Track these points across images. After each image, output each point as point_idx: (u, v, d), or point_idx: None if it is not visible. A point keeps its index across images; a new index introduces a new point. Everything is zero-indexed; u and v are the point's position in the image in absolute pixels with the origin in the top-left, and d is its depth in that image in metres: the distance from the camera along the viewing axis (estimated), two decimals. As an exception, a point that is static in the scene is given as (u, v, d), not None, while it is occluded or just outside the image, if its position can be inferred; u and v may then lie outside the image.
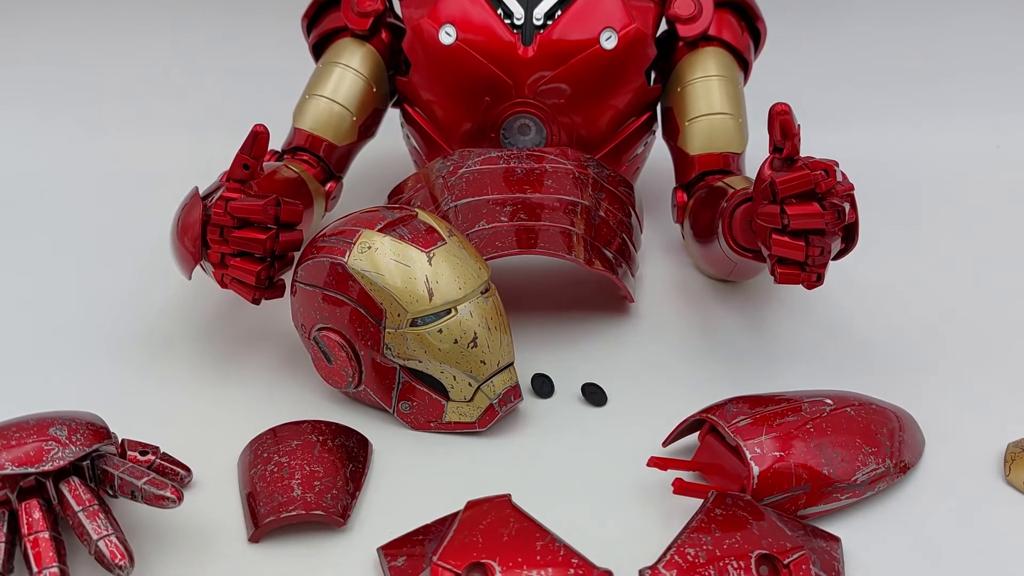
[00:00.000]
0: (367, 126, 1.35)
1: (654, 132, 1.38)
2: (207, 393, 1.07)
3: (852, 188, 0.93)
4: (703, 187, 1.23)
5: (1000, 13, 1.80)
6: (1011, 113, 1.71)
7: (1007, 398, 1.05)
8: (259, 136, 0.98)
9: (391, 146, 1.47)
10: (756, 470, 0.86)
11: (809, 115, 1.58)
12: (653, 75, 1.34)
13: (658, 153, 1.39)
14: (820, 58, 1.79)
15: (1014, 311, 1.21)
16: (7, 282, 1.29)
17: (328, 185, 1.32)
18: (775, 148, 0.93)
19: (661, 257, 1.33)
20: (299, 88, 1.34)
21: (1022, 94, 1.75)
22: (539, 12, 1.25)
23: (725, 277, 1.24)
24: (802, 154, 0.94)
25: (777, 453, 0.87)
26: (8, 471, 0.80)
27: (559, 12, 1.24)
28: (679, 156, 1.28)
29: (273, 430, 0.97)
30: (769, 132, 0.93)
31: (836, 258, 0.97)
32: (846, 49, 1.80)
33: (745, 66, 1.33)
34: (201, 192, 1.05)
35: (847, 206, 0.93)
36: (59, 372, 1.10)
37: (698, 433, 0.95)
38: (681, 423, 0.95)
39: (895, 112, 1.73)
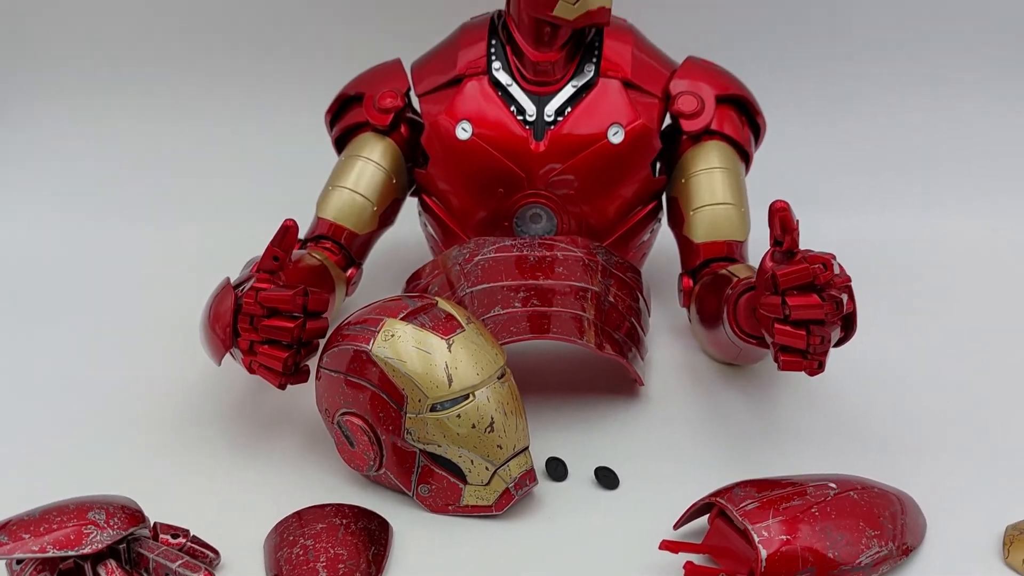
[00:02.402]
0: (387, 215, 1.41)
1: (660, 220, 1.44)
2: (234, 475, 1.11)
3: (849, 280, 0.98)
4: (708, 274, 1.28)
5: (994, 101, 1.87)
6: (1006, 196, 1.77)
7: (1006, 480, 1.08)
8: (289, 230, 1.04)
9: (408, 233, 1.53)
10: (764, 553, 0.90)
11: (809, 200, 1.65)
12: (659, 166, 1.41)
13: (664, 240, 1.45)
14: (820, 145, 1.86)
15: (1013, 393, 1.25)
16: (39, 368, 1.33)
17: (349, 271, 1.38)
18: (775, 242, 0.99)
19: (669, 340, 1.38)
20: (319, 178, 1.41)
21: (1016, 178, 1.81)
22: (550, 109, 1.32)
23: (732, 361, 1.29)
24: (801, 246, 1.00)
25: (784, 536, 0.91)
26: (49, 554, 0.84)
27: (569, 109, 1.32)
28: (684, 244, 1.34)
29: (298, 513, 1.01)
30: (770, 227, 0.99)
31: (836, 346, 1.02)
32: (844, 136, 1.87)
33: (746, 158, 1.40)
34: (232, 282, 1.10)
35: (845, 297, 0.98)
36: (94, 456, 1.14)
37: (708, 516, 0.98)
38: (691, 506, 0.99)
39: (893, 196, 1.78)
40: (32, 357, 1.36)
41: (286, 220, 1.04)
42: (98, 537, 0.85)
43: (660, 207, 1.42)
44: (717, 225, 1.31)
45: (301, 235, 1.38)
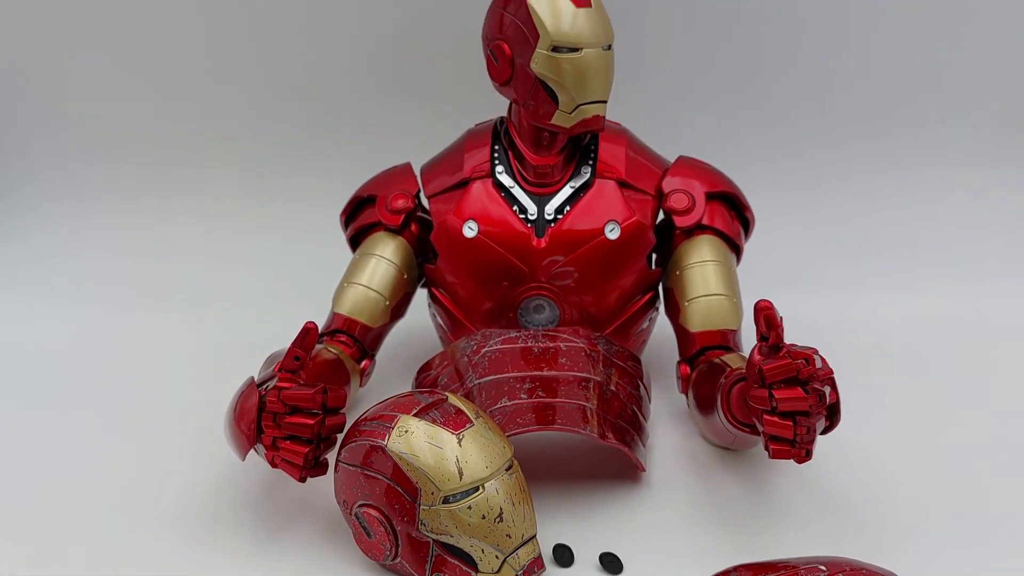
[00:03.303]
0: (398, 308, 1.49)
1: (657, 309, 1.52)
2: (255, 566, 1.15)
3: (831, 372, 1.05)
4: (704, 362, 1.35)
5: (977, 184, 1.96)
6: (989, 277, 1.84)
7: (992, 558, 1.13)
8: (309, 332, 1.12)
9: (418, 323, 1.61)
10: (760, 636, 0.94)
11: (795, 281, 1.74)
12: (655, 258, 1.49)
13: (662, 327, 1.52)
14: (806, 228, 1.94)
15: (998, 472, 1.30)
16: (61, 460, 1.38)
17: (363, 363, 1.45)
18: (762, 337, 1.06)
19: (670, 425, 1.44)
20: (334, 274, 1.49)
21: (998, 259, 1.88)
22: (550, 208, 1.41)
23: (728, 446, 1.34)
24: (787, 335, 1.07)
25: (778, 619, 0.95)
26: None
27: (568, 208, 1.41)
28: (681, 333, 1.42)
29: (318, 602, 1.05)
30: (756, 324, 1.06)
31: (822, 434, 1.08)
32: (829, 219, 1.96)
33: (736, 250, 1.48)
34: (256, 380, 1.17)
35: (828, 389, 1.05)
36: (115, 547, 1.18)
37: (707, 599, 1.03)
38: (691, 590, 1.04)
39: (877, 277, 1.86)
40: (50, 450, 1.40)
41: (307, 323, 1.12)
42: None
43: (657, 297, 1.50)
44: (711, 315, 1.38)
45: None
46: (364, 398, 1.47)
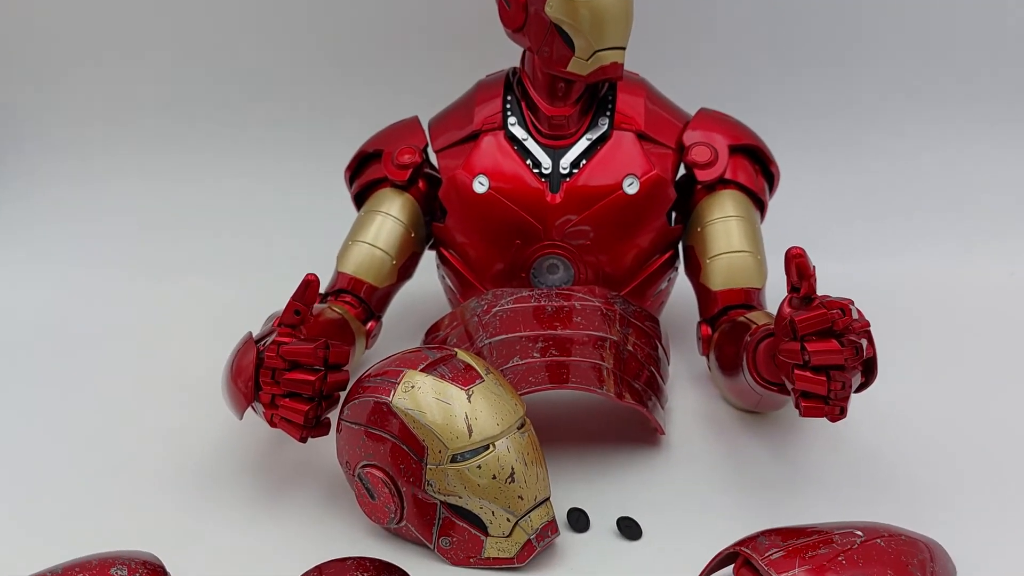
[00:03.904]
0: (406, 268, 1.43)
1: (676, 269, 1.45)
2: (254, 529, 1.10)
3: (868, 325, 0.98)
4: (726, 321, 1.28)
5: (1008, 144, 1.88)
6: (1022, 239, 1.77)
7: (1034, 527, 1.07)
8: (310, 284, 1.06)
9: (427, 285, 1.55)
10: (791, 603, 0.88)
11: (825, 246, 1.66)
12: (674, 215, 1.42)
13: (681, 288, 1.45)
14: (835, 192, 1.87)
15: (1038, 437, 1.24)
16: (60, 424, 1.35)
17: (369, 324, 1.39)
18: (792, 288, 1.00)
19: (689, 389, 1.38)
20: (339, 233, 1.44)
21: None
22: (565, 162, 1.34)
23: (752, 408, 1.28)
24: (819, 292, 1.00)
25: (811, 586, 0.89)
26: (72, 610, 0.84)
27: (584, 161, 1.34)
28: (702, 292, 1.35)
29: (318, 568, 1.00)
30: (786, 273, 0.99)
31: (857, 391, 1.02)
32: (859, 182, 1.89)
33: (761, 206, 1.41)
34: (254, 336, 1.12)
35: (864, 342, 0.98)
36: (114, 510, 1.15)
37: (733, 566, 0.97)
38: (715, 556, 0.98)
39: (909, 240, 1.79)
40: (53, 413, 1.38)
41: (308, 274, 1.06)
42: (121, 592, 0.85)
43: (677, 256, 1.43)
44: (734, 272, 1.32)
45: (322, 289, 1.39)
46: (369, 361, 1.41)
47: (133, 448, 1.28)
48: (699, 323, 1.34)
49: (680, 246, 1.42)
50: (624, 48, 1.28)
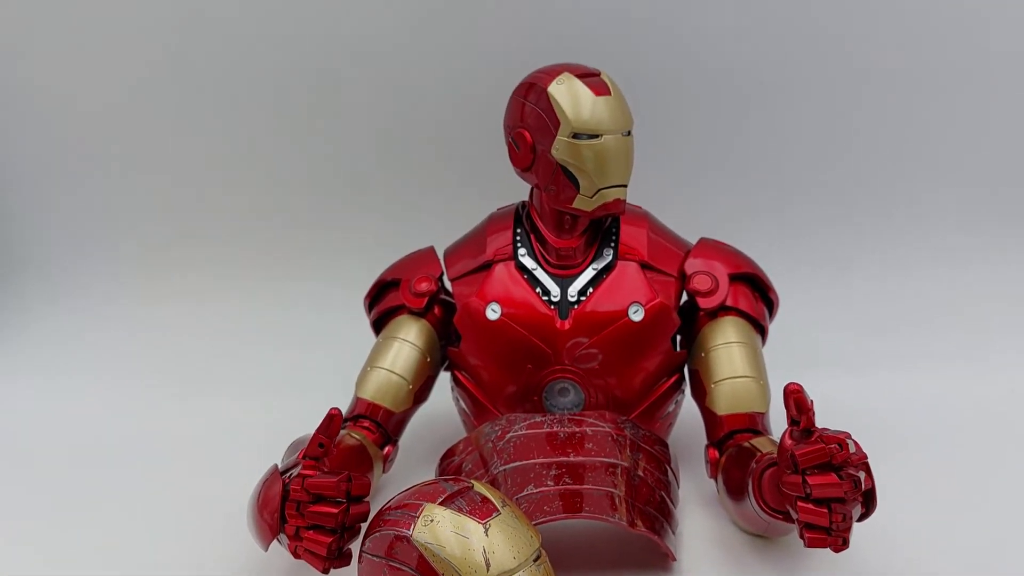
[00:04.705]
0: (421, 392, 1.48)
1: (683, 391, 1.50)
2: (279, 661, 1.12)
3: (865, 457, 1.03)
4: (733, 445, 1.32)
5: (1004, 261, 1.94)
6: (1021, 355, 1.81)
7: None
8: (334, 419, 1.11)
9: (440, 407, 1.59)
10: None
11: (823, 362, 1.71)
12: (679, 339, 1.48)
13: (688, 410, 1.50)
14: (833, 308, 1.93)
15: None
16: (83, 549, 1.36)
17: (386, 449, 1.43)
18: (792, 421, 1.05)
19: (699, 511, 1.40)
20: (357, 359, 1.49)
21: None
22: (573, 290, 1.41)
23: (761, 533, 1.31)
24: (818, 418, 1.05)
25: None
26: None
27: (591, 290, 1.40)
28: (708, 415, 1.39)
29: None
30: (786, 408, 1.05)
31: (859, 521, 1.05)
32: (857, 298, 1.95)
33: (761, 331, 1.47)
34: (279, 467, 1.16)
35: (863, 475, 1.02)
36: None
37: None
38: None
39: (906, 357, 1.83)
40: (75, 538, 1.38)
41: (331, 409, 1.11)
42: None
43: (683, 379, 1.48)
44: (738, 397, 1.36)
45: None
46: (387, 485, 1.45)
47: (157, 573, 1.29)
48: (707, 446, 1.38)
49: (686, 370, 1.47)
50: (626, 185, 1.37)
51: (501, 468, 1.27)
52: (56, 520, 1.43)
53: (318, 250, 2.05)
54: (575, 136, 1.32)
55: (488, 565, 1.03)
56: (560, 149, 1.33)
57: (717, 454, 1.36)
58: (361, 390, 1.46)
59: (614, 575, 1.25)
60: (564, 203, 1.37)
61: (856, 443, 1.04)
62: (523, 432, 1.31)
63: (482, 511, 1.08)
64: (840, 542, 1.00)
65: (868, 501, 1.05)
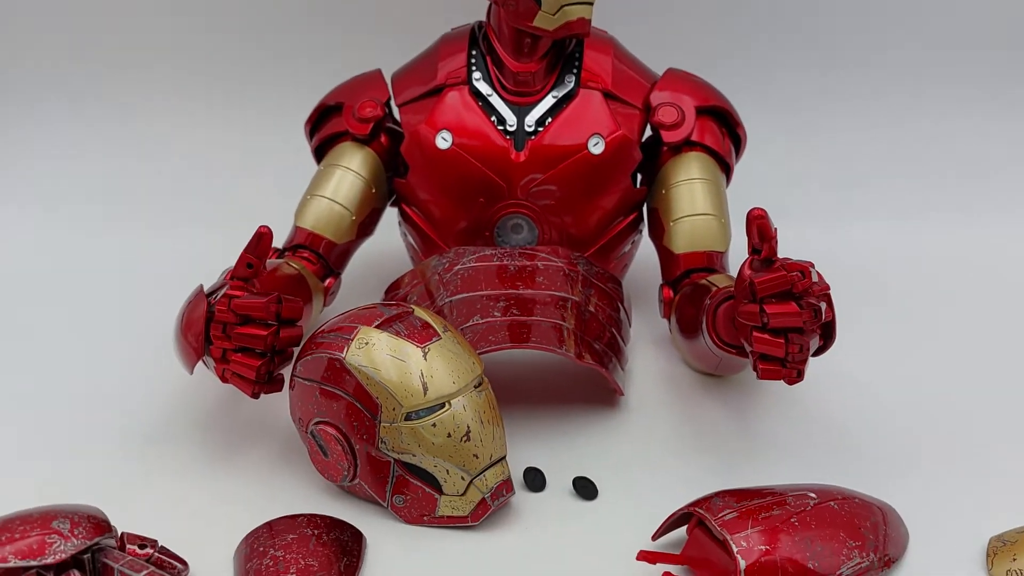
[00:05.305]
0: (366, 225, 1.40)
1: (640, 231, 1.44)
2: (204, 486, 1.08)
3: (828, 288, 0.98)
4: (688, 284, 1.27)
5: (982, 114, 1.88)
6: (988, 210, 1.77)
7: (988, 491, 1.08)
8: (263, 237, 1.03)
9: (388, 243, 1.52)
10: (743, 564, 0.88)
11: (788, 211, 1.66)
12: (639, 177, 1.40)
13: (645, 250, 1.44)
14: (799, 155, 1.86)
15: (995, 403, 1.25)
16: (8, 375, 1.31)
17: (327, 281, 1.36)
18: (753, 250, 0.98)
19: (650, 351, 1.37)
20: (298, 188, 1.40)
21: (999, 194, 1.81)
22: (530, 119, 1.32)
23: (712, 371, 1.28)
24: (780, 255, 0.99)
25: (763, 547, 0.89)
26: (11, 564, 0.82)
27: (549, 119, 1.31)
28: (665, 254, 1.34)
29: (269, 524, 0.99)
30: (748, 235, 0.98)
31: (815, 355, 1.01)
32: (824, 145, 1.88)
33: (727, 169, 1.40)
34: (206, 289, 1.09)
35: (823, 305, 0.97)
36: (63, 464, 1.12)
37: (687, 526, 0.97)
38: (670, 517, 0.98)
39: (869, 207, 1.79)
40: (4, 363, 1.34)
41: (260, 227, 1.03)
42: (62, 547, 0.83)
43: (641, 218, 1.42)
44: (697, 236, 1.31)
45: (279, 244, 1.36)
46: (327, 319, 1.39)
47: (80, 401, 1.25)
48: (661, 285, 1.34)
49: (644, 208, 1.41)
50: (591, 3, 1.26)
51: (447, 299, 1.21)
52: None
53: (257, 72, 1.90)
54: (537, -59, 1.19)
55: (425, 389, 0.99)
56: (520, -43, 1.21)
57: (672, 293, 1.31)
58: (301, 219, 1.37)
59: (559, 410, 1.22)
60: (524, 20, 1.26)
61: (819, 274, 0.98)
62: (472, 264, 1.25)
63: (421, 336, 1.02)
64: (795, 374, 0.96)
65: (827, 334, 1.01)
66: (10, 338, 1.42)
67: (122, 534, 0.92)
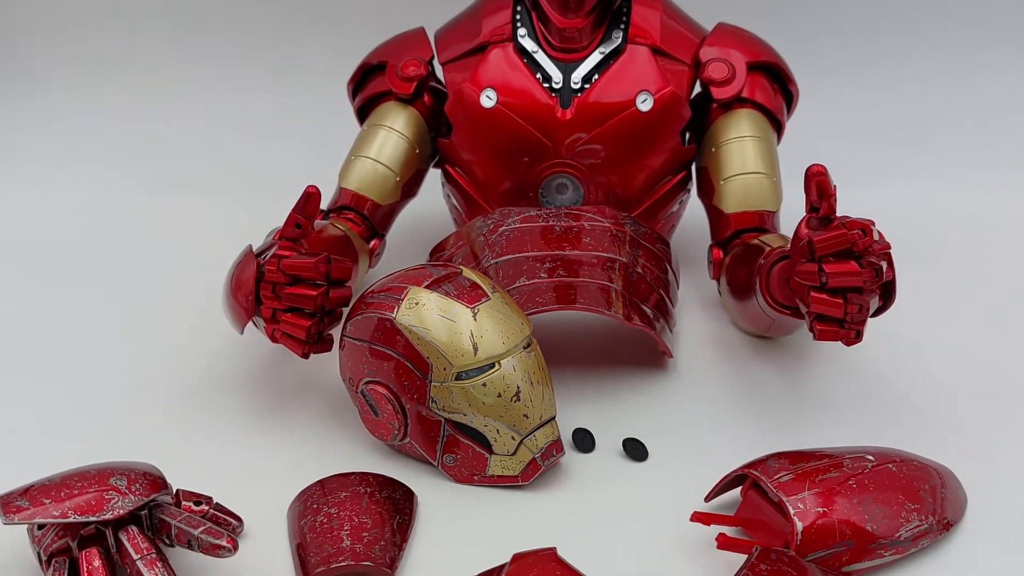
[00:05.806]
0: (410, 186, 1.39)
1: (689, 190, 1.41)
2: (257, 444, 1.09)
3: (889, 247, 0.95)
4: (739, 244, 1.25)
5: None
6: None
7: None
8: (311, 197, 1.02)
9: (432, 205, 1.51)
10: (800, 526, 0.87)
11: (846, 173, 1.61)
12: (688, 135, 1.37)
13: (693, 210, 1.42)
14: (856, 115, 1.81)
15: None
16: (66, 337, 1.33)
17: (372, 243, 1.36)
18: (812, 208, 0.96)
19: (699, 312, 1.35)
20: (344, 149, 1.39)
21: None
22: (576, 76, 1.29)
23: (763, 333, 1.26)
24: (838, 213, 0.96)
25: (820, 509, 0.88)
26: (70, 519, 0.83)
27: (596, 76, 1.29)
28: (714, 214, 1.31)
29: (321, 482, 0.99)
30: (806, 192, 0.96)
31: (874, 315, 0.99)
32: (882, 106, 1.83)
33: (778, 126, 1.36)
34: (255, 250, 1.09)
35: (884, 264, 0.94)
36: (117, 423, 1.14)
37: (740, 488, 0.96)
38: (723, 478, 0.96)
39: (931, 168, 1.74)
40: (59, 326, 1.36)
41: (308, 186, 1.02)
42: (119, 503, 0.84)
43: (689, 177, 1.39)
44: (748, 195, 1.28)
45: (324, 206, 1.36)
46: (373, 280, 1.38)
47: (135, 362, 1.26)
48: (711, 246, 1.31)
49: (693, 167, 1.38)
50: (641, -45, 1.22)
51: (492, 261, 1.20)
52: (32, 317, 1.39)
53: (299, 33, 1.88)
54: None
55: (476, 349, 0.98)
56: (568, -92, 1.18)
57: (721, 254, 1.28)
58: (345, 180, 1.36)
59: (608, 371, 1.21)
60: (570, -26, 1.23)
61: (880, 232, 0.95)
62: (517, 226, 1.23)
63: (471, 296, 1.01)
64: (853, 335, 0.94)
65: (887, 294, 0.98)
66: (61, 301, 1.44)
67: (178, 491, 0.93)
